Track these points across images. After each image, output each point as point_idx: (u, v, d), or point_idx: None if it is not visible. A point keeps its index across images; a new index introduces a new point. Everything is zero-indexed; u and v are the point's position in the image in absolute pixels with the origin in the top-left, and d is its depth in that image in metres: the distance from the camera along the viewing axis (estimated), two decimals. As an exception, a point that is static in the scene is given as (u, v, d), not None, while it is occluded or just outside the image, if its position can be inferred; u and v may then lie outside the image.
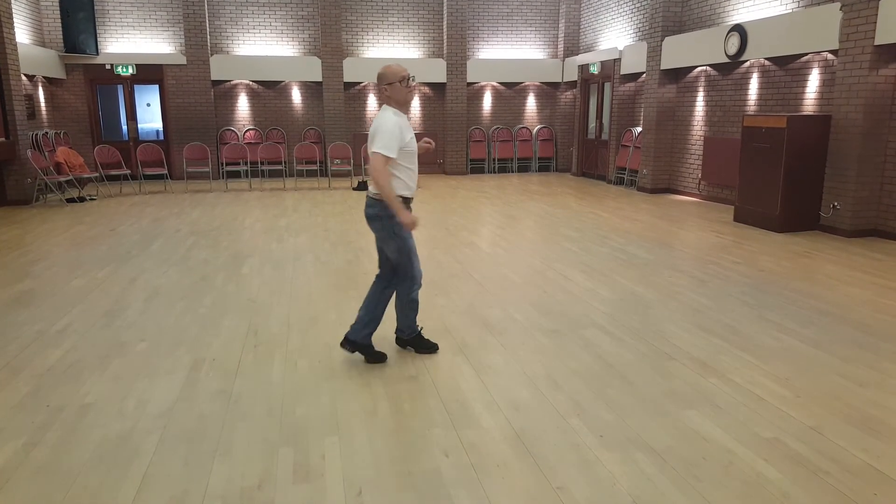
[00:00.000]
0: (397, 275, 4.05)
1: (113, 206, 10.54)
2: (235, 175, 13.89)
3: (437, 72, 14.91)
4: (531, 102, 16.02)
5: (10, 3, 10.18)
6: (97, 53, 13.37)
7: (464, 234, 8.12)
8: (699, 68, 11.03)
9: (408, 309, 4.12)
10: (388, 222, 3.83)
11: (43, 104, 12.83)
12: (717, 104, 10.65)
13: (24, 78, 11.20)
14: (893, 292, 5.49)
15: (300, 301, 5.31)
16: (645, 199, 11.38)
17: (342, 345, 4.07)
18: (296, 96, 14.78)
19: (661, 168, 11.98)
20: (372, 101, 15.10)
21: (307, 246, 7.46)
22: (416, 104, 15.38)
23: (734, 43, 9.63)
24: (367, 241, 7.69)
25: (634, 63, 12.54)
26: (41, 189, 10.75)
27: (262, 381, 3.76)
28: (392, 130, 3.75)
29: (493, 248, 7.32)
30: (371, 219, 3.90)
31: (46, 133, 11.86)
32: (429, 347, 4.24)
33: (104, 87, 14.03)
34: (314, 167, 13.43)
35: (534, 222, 9.14)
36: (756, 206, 8.50)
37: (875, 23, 7.33)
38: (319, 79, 14.35)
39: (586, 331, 4.58)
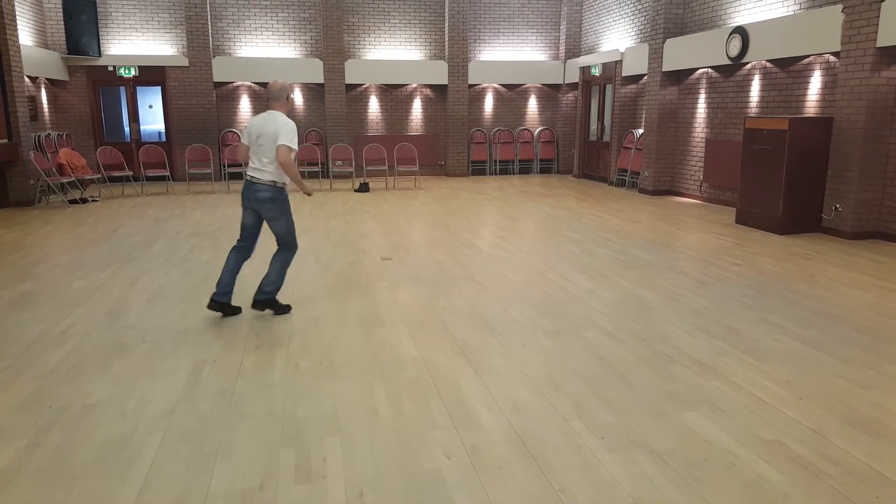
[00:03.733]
0: (282, 246, 4.90)
1: (115, 207, 10.56)
2: (237, 176, 13.89)
3: (439, 74, 14.93)
4: (533, 104, 16.02)
5: (13, 5, 10.21)
6: (100, 55, 13.40)
7: (465, 236, 8.12)
8: (701, 70, 11.03)
9: (283, 273, 4.92)
10: (280, 203, 4.75)
11: (45, 106, 12.86)
12: (719, 106, 10.65)
13: (26, 80, 11.22)
14: (895, 294, 5.49)
15: (301, 302, 5.32)
16: (646, 200, 11.38)
17: (253, 306, 4.94)
18: (297, 98, 14.79)
19: (663, 170, 11.98)
20: (374, 102, 15.12)
21: (308, 247, 7.46)
22: (417, 106, 15.40)
23: (736, 45, 9.63)
24: (368, 242, 7.70)
25: (636, 65, 12.55)
26: (43, 190, 10.77)
27: (264, 382, 3.77)
28: (294, 129, 4.65)
29: (495, 250, 7.32)
30: (265, 202, 4.70)
31: (49, 134, 11.89)
32: (285, 309, 5.00)
33: (107, 88, 14.06)
34: (315, 169, 13.43)
35: (535, 224, 9.14)
36: (758, 207, 8.50)
37: (877, 25, 7.33)
38: (321, 80, 14.38)
39: (587, 332, 4.58)
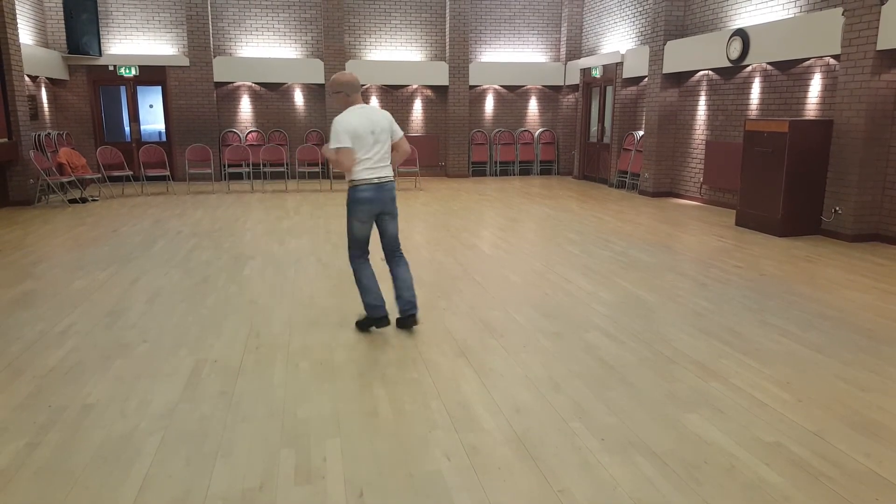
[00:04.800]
0: (398, 247, 4.58)
1: (115, 207, 10.56)
2: (237, 177, 13.91)
3: (440, 75, 14.93)
4: (533, 106, 16.03)
5: (13, 4, 10.21)
6: (100, 55, 13.40)
7: (465, 236, 8.12)
8: (701, 72, 11.04)
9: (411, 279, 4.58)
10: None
11: (46, 105, 12.86)
12: (719, 108, 10.66)
13: (27, 79, 11.22)
14: (895, 297, 5.49)
15: (302, 303, 5.32)
16: (646, 202, 11.38)
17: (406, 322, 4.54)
18: (298, 98, 14.81)
19: (663, 172, 11.99)
20: (374, 103, 15.12)
21: (309, 248, 7.46)
22: (418, 107, 15.41)
23: (736, 47, 9.64)
24: (368, 243, 7.70)
25: (636, 67, 12.56)
26: (43, 190, 10.77)
27: (264, 382, 3.76)
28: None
29: (495, 251, 7.32)
30: (394, 200, 4.46)
31: (49, 134, 11.89)
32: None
33: (107, 88, 14.06)
34: (316, 169, 13.42)
35: (535, 225, 9.14)
36: (758, 210, 8.51)
37: (877, 28, 7.34)
38: (322, 81, 14.38)
39: (588, 333, 4.58)
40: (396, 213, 4.50)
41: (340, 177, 13.92)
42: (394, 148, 4.45)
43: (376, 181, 4.30)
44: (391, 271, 4.56)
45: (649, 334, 4.56)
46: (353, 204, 4.36)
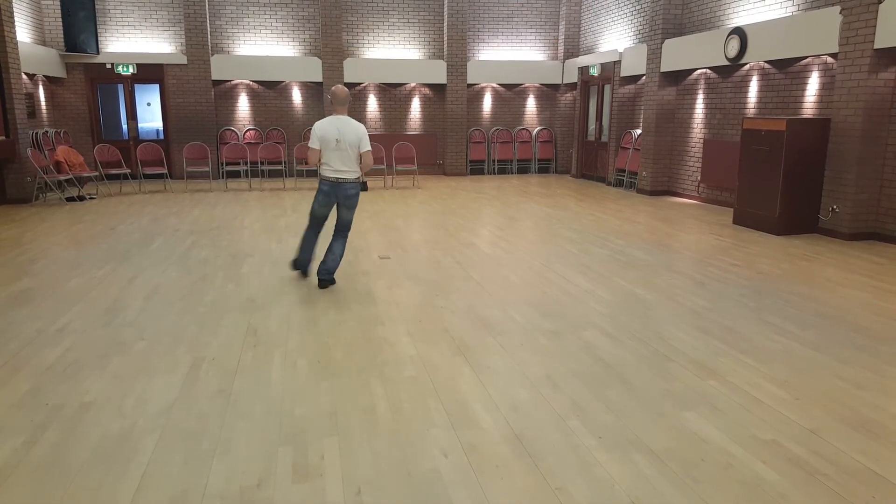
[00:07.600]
0: (345, 230, 5.73)
1: (113, 205, 10.54)
2: (235, 175, 13.88)
3: (438, 73, 14.92)
4: (531, 104, 16.03)
5: (11, 2, 10.18)
6: (98, 53, 13.37)
7: (463, 235, 8.12)
8: (699, 71, 11.04)
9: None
10: (358, 196, 5.69)
11: (43, 103, 12.83)
12: (717, 107, 10.67)
13: (24, 76, 11.19)
14: (892, 295, 5.50)
15: (299, 301, 5.32)
16: (644, 201, 11.39)
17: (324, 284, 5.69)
18: (296, 96, 14.79)
19: (661, 170, 11.99)
20: (372, 101, 15.11)
21: (307, 246, 7.45)
22: (416, 105, 15.41)
23: (734, 46, 9.64)
24: (365, 241, 7.70)
25: (634, 65, 12.56)
26: (41, 188, 10.75)
27: (262, 380, 3.77)
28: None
29: (493, 249, 7.33)
30: (353, 197, 5.61)
31: (46, 132, 11.86)
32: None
33: (105, 86, 14.03)
34: (314, 167, 13.40)
35: (533, 223, 9.15)
36: (755, 208, 8.52)
37: (875, 26, 7.35)
38: (320, 79, 14.36)
39: (586, 332, 4.59)
40: (353, 206, 5.63)
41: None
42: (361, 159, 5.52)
43: (332, 179, 5.48)
44: (330, 244, 5.71)
45: (647, 333, 4.57)
46: (317, 192, 5.64)
